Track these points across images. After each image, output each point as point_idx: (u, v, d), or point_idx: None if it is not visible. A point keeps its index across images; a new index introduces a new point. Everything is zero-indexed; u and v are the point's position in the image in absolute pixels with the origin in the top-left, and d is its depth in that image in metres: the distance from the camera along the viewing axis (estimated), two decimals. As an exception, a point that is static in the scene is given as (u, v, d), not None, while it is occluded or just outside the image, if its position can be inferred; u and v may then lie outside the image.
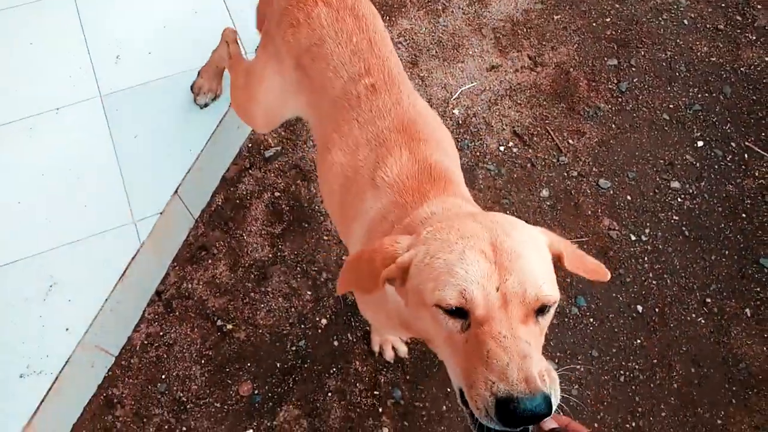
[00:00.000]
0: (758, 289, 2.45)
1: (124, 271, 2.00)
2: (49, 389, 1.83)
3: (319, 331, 2.26)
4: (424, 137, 1.49)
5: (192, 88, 2.23)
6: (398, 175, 1.43)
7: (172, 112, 2.25)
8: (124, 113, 2.20)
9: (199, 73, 2.31)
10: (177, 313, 2.22)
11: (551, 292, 1.01)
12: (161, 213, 2.08)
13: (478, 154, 2.62)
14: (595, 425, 2.19)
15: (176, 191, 2.13)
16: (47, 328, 1.87)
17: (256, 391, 2.15)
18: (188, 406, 2.11)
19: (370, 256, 1.12)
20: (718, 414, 2.24)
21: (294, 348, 2.23)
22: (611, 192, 2.57)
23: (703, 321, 2.37)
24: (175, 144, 2.19)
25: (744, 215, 2.58)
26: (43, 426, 1.86)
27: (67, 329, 1.89)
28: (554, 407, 0.93)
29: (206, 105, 2.23)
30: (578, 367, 2.26)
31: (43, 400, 1.82)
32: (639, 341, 2.32)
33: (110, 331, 2.05)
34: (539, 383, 0.92)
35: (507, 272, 0.99)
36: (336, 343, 2.25)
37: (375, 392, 2.19)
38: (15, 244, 1.98)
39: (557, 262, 1.12)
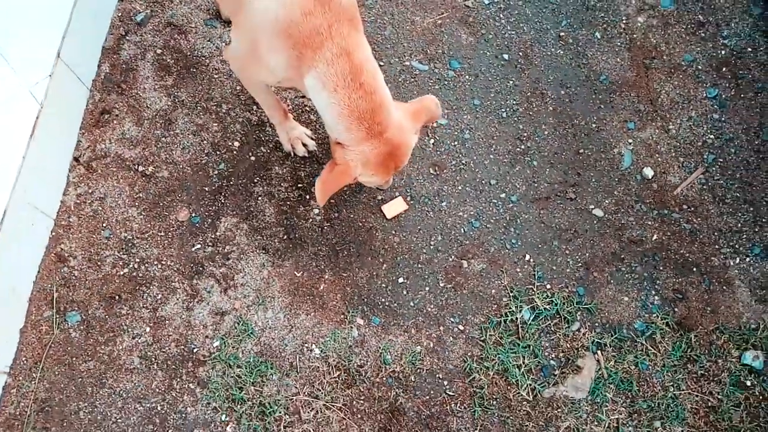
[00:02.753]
0: (602, 14, 2.78)
1: (32, 131, 2.13)
2: (-5, 246, 1.99)
3: (234, 152, 2.47)
4: None
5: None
6: None
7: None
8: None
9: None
10: (99, 172, 2.38)
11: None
12: (50, 75, 2.21)
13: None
14: (491, 156, 2.51)
15: (59, 55, 2.25)
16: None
17: (193, 214, 2.36)
18: (135, 242, 2.31)
19: (337, 180, 1.90)
20: (592, 120, 2.60)
21: (216, 172, 2.43)
22: (459, -30, 2.82)
23: (561, 52, 2.70)
24: (39, 13, 2.27)
25: (577, -41, 2.88)
26: (0, 282, 2.03)
27: (-6, 187, 2.04)
28: None
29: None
30: (465, 116, 2.56)
31: (-7, 256, 1.98)
32: (511, 82, 2.63)
33: (41, 192, 2.19)
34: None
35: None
36: (252, 158, 2.47)
37: (299, 185, 2.43)
38: None
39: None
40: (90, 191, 2.35)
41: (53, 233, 2.27)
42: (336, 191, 2.01)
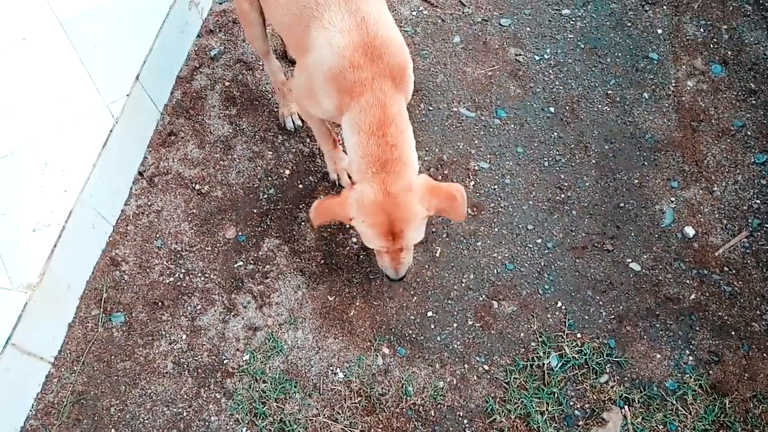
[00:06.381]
0: (651, 76, 2.84)
1: (105, 143, 2.34)
2: (58, 238, 2.16)
3: (285, 179, 2.62)
4: None
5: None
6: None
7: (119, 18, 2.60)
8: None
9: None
10: (159, 187, 2.57)
11: (416, 240, 2.03)
12: (128, 95, 2.44)
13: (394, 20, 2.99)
14: (530, 202, 2.56)
15: (137, 78, 2.48)
16: (48, 192, 2.20)
17: (239, 233, 2.50)
18: (183, 254, 2.45)
19: (332, 209, 1.99)
20: (635, 175, 2.62)
21: (266, 196, 2.58)
22: (512, 27, 2.96)
23: (608, 109, 2.76)
24: (125, 40, 2.54)
25: (629, 24, 2.98)
26: (57, 276, 2.19)
27: (65, 191, 2.23)
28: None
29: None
30: (507, 162, 2.63)
31: (54, 249, 2.15)
32: (556, 134, 2.70)
33: (104, 199, 2.38)
34: (402, 272, 2.12)
35: (400, 242, 1.98)
36: (300, 186, 2.60)
37: (340, 215, 2.53)
38: (6, 138, 2.32)
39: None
40: (149, 203, 2.53)
41: (110, 238, 2.45)
42: (329, 220, 2.22)
